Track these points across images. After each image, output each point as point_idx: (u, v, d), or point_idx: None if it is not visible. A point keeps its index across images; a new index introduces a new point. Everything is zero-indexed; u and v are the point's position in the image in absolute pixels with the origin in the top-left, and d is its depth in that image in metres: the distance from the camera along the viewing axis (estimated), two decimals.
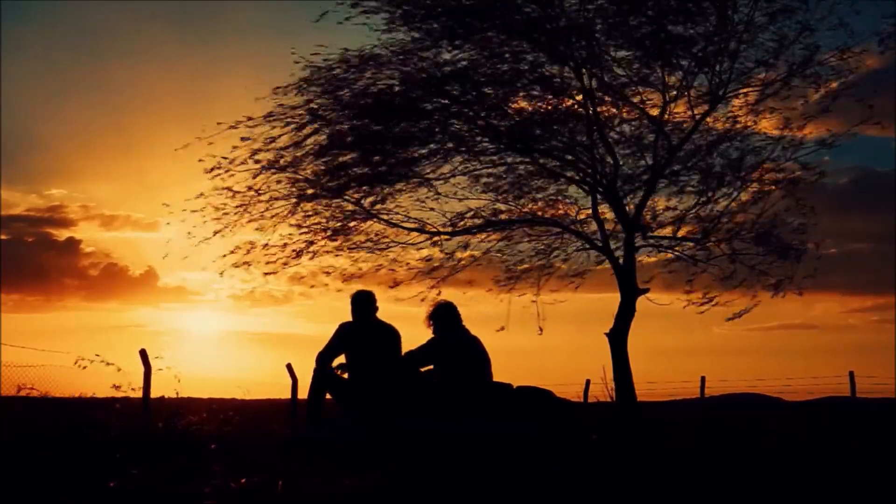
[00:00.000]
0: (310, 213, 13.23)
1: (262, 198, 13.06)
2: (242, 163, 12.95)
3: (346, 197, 13.15)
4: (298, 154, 12.95)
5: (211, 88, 56.37)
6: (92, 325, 53.34)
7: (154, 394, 12.54)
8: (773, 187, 13.31)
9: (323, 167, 13.04)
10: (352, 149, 12.88)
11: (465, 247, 13.76)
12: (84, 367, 10.05)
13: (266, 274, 13.51)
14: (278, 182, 13.08)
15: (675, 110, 13.28)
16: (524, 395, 9.66)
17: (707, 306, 13.30)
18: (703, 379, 20.13)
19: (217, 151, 12.89)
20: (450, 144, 13.10)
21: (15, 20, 53.17)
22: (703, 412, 18.95)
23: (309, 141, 12.90)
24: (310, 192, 13.11)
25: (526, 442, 8.68)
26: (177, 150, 13.04)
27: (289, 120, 12.83)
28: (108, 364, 10.14)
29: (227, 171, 12.97)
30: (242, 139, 12.79)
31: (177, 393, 10.32)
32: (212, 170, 12.92)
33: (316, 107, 12.79)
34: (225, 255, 13.34)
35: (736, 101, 13.23)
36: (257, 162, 12.91)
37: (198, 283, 48.46)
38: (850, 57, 12.48)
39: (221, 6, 53.55)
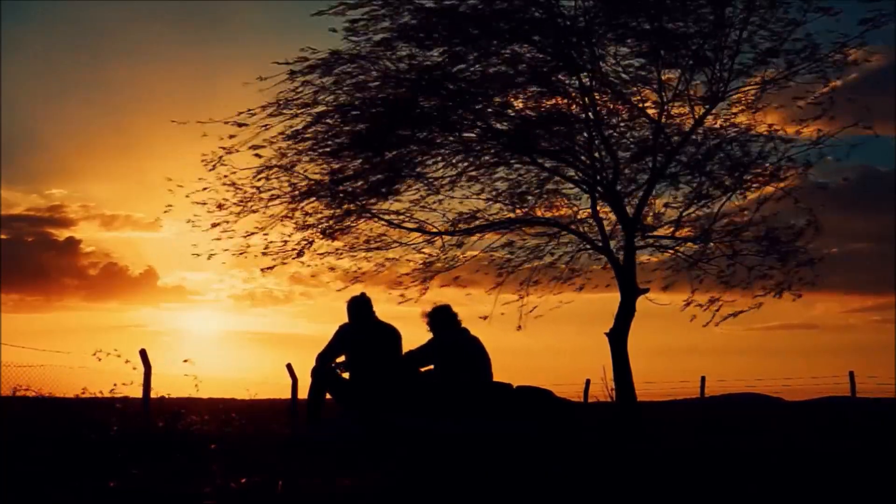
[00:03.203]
0: (310, 212, 13.24)
1: (262, 195, 13.07)
2: (241, 151, 12.96)
3: (346, 196, 13.15)
4: (299, 149, 12.96)
5: (211, 88, 56.25)
6: (92, 325, 53.30)
7: (155, 394, 12.55)
8: (772, 187, 13.29)
9: (324, 167, 13.06)
10: (353, 154, 12.89)
11: (460, 245, 13.77)
12: (100, 360, 10.27)
13: (263, 270, 13.50)
14: (278, 180, 13.08)
15: (674, 110, 13.26)
16: (524, 395, 9.66)
17: (712, 307, 13.29)
18: (703, 379, 20.15)
19: (217, 142, 12.93)
20: (448, 140, 13.10)
21: (15, 20, 53.13)
22: (703, 412, 18.95)
23: (308, 139, 12.89)
24: (308, 188, 13.11)
25: (526, 442, 8.68)
26: (173, 121, 13.13)
27: (292, 111, 12.84)
28: (126, 361, 10.37)
29: (231, 172, 13.00)
30: (239, 125, 12.77)
31: (198, 387, 10.52)
32: (213, 167, 12.95)
33: (318, 103, 12.79)
34: (218, 238, 13.28)
35: (736, 98, 13.22)
36: (258, 157, 12.94)
37: (198, 283, 48.51)
38: (846, 47, 12.42)
39: (222, 6, 53.47)
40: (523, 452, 7.88)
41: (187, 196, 13.18)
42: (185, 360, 11.33)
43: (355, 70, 12.67)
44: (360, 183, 13.12)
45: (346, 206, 13.22)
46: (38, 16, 53.53)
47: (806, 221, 13.13)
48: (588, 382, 20.30)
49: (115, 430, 8.61)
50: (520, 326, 13.55)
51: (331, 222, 13.25)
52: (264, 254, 13.33)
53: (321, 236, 13.29)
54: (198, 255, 13.35)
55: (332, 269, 13.79)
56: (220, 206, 13.11)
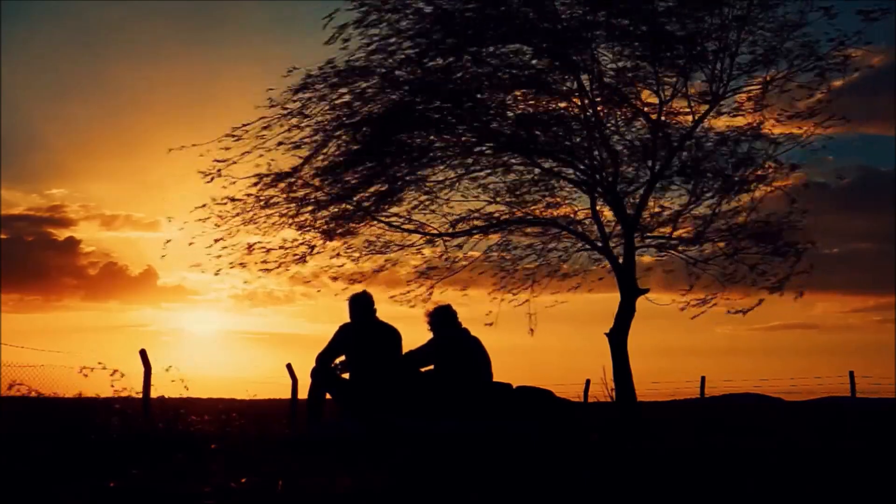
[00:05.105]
0: (309, 218, 13.22)
1: (260, 203, 13.05)
2: (236, 163, 12.94)
3: (346, 199, 13.13)
4: (298, 159, 12.96)
5: (212, 89, 56.40)
6: (92, 325, 53.37)
7: (155, 394, 12.56)
8: (771, 188, 13.28)
9: (323, 174, 13.03)
10: (353, 161, 12.87)
11: (461, 247, 13.77)
12: (86, 376, 10.19)
13: (261, 271, 13.48)
14: (276, 188, 13.05)
15: (674, 110, 13.25)
16: (524, 395, 9.66)
17: (703, 307, 13.30)
18: (703, 379, 20.14)
19: (215, 155, 12.93)
20: (447, 143, 13.09)
21: (15, 20, 53.19)
22: (703, 412, 18.95)
23: (305, 149, 12.90)
24: (309, 195, 13.08)
25: (526, 442, 8.68)
26: (171, 150, 13.08)
27: (287, 124, 12.83)
28: (113, 372, 10.29)
29: (230, 182, 12.99)
30: (233, 135, 12.74)
31: (187, 388, 10.52)
32: (210, 179, 12.94)
33: (318, 116, 12.80)
34: (220, 255, 13.26)
35: (738, 98, 13.21)
36: (259, 172, 12.94)
37: (198, 283, 48.52)
38: (845, 46, 12.40)
39: (223, 6, 53.60)
40: (523, 452, 7.87)
41: (187, 217, 13.22)
42: (168, 369, 11.22)
43: (352, 77, 12.66)
44: (360, 191, 13.12)
45: (345, 207, 13.22)
46: (38, 16, 53.59)
47: (798, 223, 13.10)
48: (588, 382, 20.32)
49: (115, 430, 8.61)
50: (531, 330, 13.56)
51: (332, 225, 13.25)
52: (265, 261, 13.34)
53: (322, 239, 13.29)
54: (203, 271, 13.37)
55: (335, 278, 13.76)
56: (220, 217, 13.11)
